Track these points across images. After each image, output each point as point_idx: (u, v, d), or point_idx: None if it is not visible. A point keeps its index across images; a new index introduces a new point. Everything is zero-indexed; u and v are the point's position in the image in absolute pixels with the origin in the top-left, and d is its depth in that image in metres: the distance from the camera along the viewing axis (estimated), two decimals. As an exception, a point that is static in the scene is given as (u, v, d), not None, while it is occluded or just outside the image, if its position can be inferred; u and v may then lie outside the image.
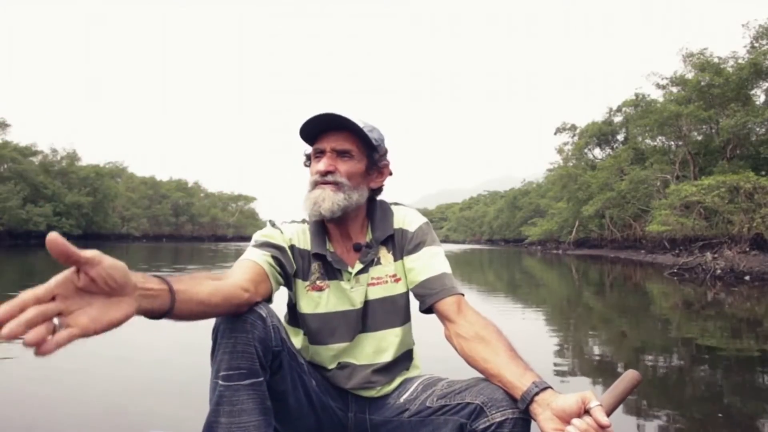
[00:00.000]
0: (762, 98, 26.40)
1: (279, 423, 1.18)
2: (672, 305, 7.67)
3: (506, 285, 11.22)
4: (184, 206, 70.10)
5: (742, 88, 24.95)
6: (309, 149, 1.35)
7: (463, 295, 1.27)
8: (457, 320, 1.21)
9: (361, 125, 1.27)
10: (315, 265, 1.31)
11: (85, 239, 45.64)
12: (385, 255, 1.35)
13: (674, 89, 29.37)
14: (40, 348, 0.66)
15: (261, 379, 1.05)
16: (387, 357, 1.32)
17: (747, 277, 11.80)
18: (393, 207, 1.41)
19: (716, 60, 26.56)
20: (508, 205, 67.90)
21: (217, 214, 77.37)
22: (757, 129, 24.86)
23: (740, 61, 25.48)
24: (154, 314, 0.86)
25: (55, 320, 0.68)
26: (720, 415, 2.63)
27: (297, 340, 1.35)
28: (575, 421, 0.95)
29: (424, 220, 1.39)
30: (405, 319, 1.37)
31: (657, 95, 32.36)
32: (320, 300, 1.30)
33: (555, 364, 3.63)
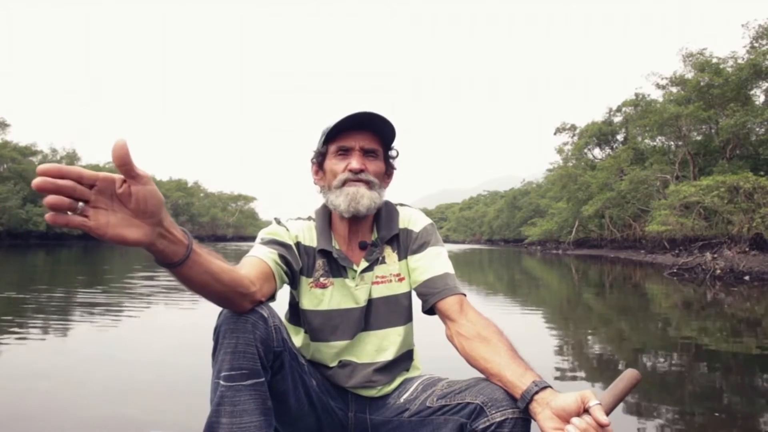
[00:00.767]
0: (761, 98, 26.41)
1: (279, 423, 1.18)
2: (671, 305, 7.67)
3: (506, 285, 11.22)
4: (183, 206, 70.03)
5: (741, 88, 24.95)
6: (317, 147, 1.35)
7: (465, 295, 1.28)
8: (459, 320, 1.22)
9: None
10: (319, 263, 1.32)
11: (85, 239, 45.62)
12: (389, 254, 1.36)
13: (674, 89, 29.39)
14: (52, 216, 0.70)
15: (262, 379, 1.05)
16: (388, 356, 1.32)
17: (747, 277, 11.80)
18: (398, 207, 1.42)
19: (716, 60, 26.57)
20: (508, 205, 67.90)
21: (216, 214, 77.30)
22: (757, 129, 24.86)
23: (740, 61, 25.48)
24: (164, 259, 0.87)
25: (81, 204, 0.72)
26: (717, 414, 2.63)
27: (298, 338, 1.36)
28: (575, 420, 0.95)
29: (429, 221, 1.41)
30: (407, 318, 1.38)
31: (657, 95, 32.44)
32: (323, 297, 1.31)
33: (555, 364, 3.64)
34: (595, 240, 36.92)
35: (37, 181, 0.68)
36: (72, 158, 47.29)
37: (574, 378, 3.31)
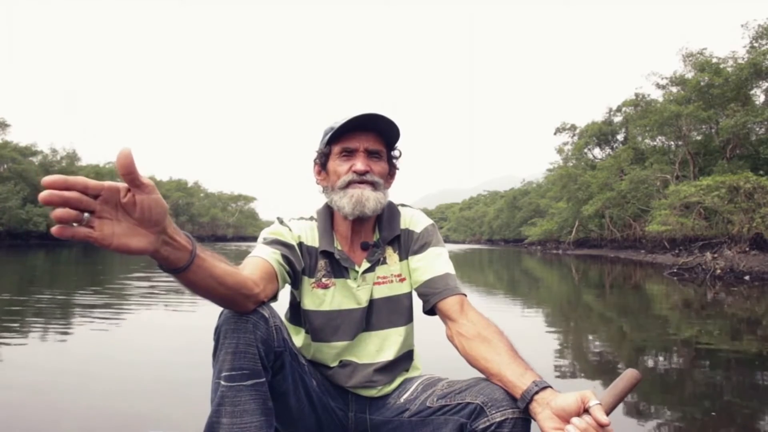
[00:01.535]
0: (761, 98, 26.41)
1: (280, 423, 1.18)
2: (672, 305, 7.67)
3: (506, 285, 11.22)
4: (183, 206, 70.03)
5: (741, 88, 24.95)
6: (319, 148, 1.35)
7: (465, 295, 1.28)
8: (459, 320, 1.22)
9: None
10: (321, 263, 1.32)
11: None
12: (391, 255, 1.36)
13: (674, 89, 29.39)
14: (59, 229, 0.71)
15: (263, 379, 1.05)
16: (389, 356, 1.33)
17: (747, 277, 11.80)
18: (400, 208, 1.42)
19: (716, 60, 26.57)
20: (508, 205, 67.88)
21: (216, 214, 77.28)
22: (757, 129, 24.86)
23: (740, 61, 25.48)
24: (169, 265, 0.87)
25: (86, 215, 0.72)
26: (717, 414, 2.63)
27: (298, 338, 1.36)
28: (575, 420, 0.95)
29: (430, 221, 1.41)
30: (408, 319, 1.38)
31: (657, 95, 32.42)
32: (325, 297, 1.31)
33: (555, 364, 3.64)
34: (595, 240, 36.91)
35: (44, 194, 0.68)
36: (72, 158, 47.25)
37: (574, 378, 3.31)
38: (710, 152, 27.53)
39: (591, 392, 0.98)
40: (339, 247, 1.34)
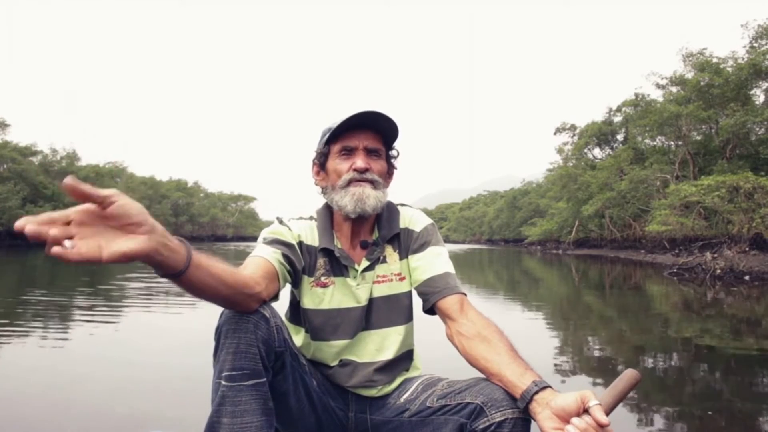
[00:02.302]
0: (761, 98, 26.40)
1: (280, 423, 1.19)
2: (672, 305, 7.67)
3: (506, 285, 11.22)
4: (183, 206, 70.00)
5: (741, 88, 24.93)
6: (318, 148, 1.36)
7: (465, 294, 1.28)
8: (459, 319, 1.22)
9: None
10: (321, 262, 1.32)
11: (84, 239, 45.56)
12: (390, 253, 1.37)
13: (674, 89, 29.38)
14: (55, 251, 0.73)
15: (264, 379, 1.05)
16: (388, 355, 1.33)
17: (747, 277, 11.80)
18: (399, 207, 1.42)
19: (716, 60, 26.57)
20: (508, 205, 67.89)
21: (216, 214, 77.27)
22: (757, 129, 24.85)
23: (739, 61, 25.48)
24: (167, 269, 0.86)
25: (68, 242, 0.74)
26: (717, 414, 2.63)
27: (298, 337, 1.36)
28: (574, 420, 0.95)
29: (430, 221, 1.42)
30: (408, 318, 1.38)
31: (657, 95, 32.43)
32: (324, 296, 1.31)
33: (555, 364, 3.64)
34: (595, 240, 36.91)
35: (27, 232, 0.72)
36: (72, 158, 47.25)
37: (574, 378, 3.31)
38: (710, 152, 27.53)
39: (591, 392, 0.98)
40: (339, 246, 1.34)
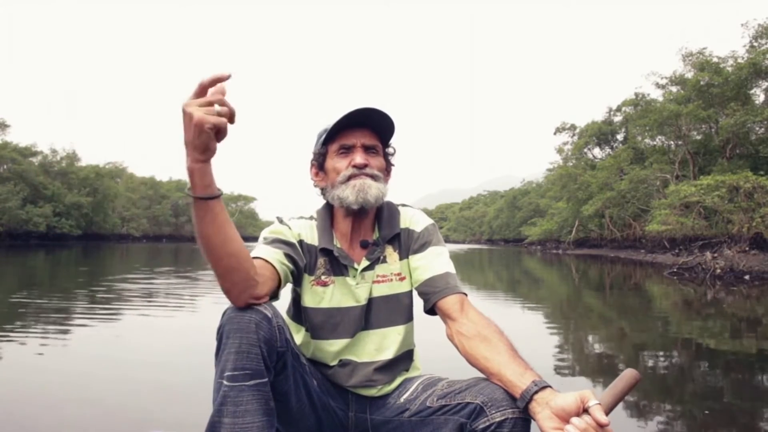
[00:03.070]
0: (761, 98, 26.39)
1: (280, 423, 1.19)
2: (671, 305, 7.68)
3: (506, 285, 11.22)
4: (184, 206, 69.95)
5: (741, 87, 24.91)
6: (315, 149, 1.36)
7: (465, 294, 1.28)
8: (459, 319, 1.22)
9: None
10: (321, 261, 1.33)
11: (85, 239, 45.63)
12: (391, 253, 1.37)
13: (674, 89, 29.38)
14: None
15: (265, 379, 1.05)
16: (388, 354, 1.33)
17: (747, 277, 11.80)
18: (400, 207, 1.43)
19: (715, 59, 26.56)
20: (508, 205, 67.92)
21: (217, 214, 77.07)
22: (757, 128, 24.84)
23: (739, 60, 25.46)
24: (208, 185, 1.00)
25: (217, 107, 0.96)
26: (717, 413, 2.63)
27: (299, 336, 1.36)
28: (574, 419, 0.95)
29: (431, 221, 1.42)
30: (408, 318, 1.38)
31: (657, 95, 32.39)
32: (324, 295, 1.31)
33: (555, 363, 3.64)
34: (595, 240, 36.91)
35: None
36: (72, 159, 47.28)
37: (574, 377, 3.31)
38: (710, 152, 27.52)
39: (590, 392, 0.98)
40: (338, 245, 1.34)
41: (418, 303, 1.36)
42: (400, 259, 1.37)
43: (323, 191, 1.37)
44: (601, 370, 3.54)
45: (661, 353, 4.18)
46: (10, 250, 26.01)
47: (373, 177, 1.29)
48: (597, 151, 42.60)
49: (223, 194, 1.04)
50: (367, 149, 1.31)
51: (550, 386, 1.02)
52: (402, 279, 1.36)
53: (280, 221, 1.34)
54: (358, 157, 1.28)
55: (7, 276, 11.43)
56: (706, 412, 2.65)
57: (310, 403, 1.23)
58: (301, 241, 1.31)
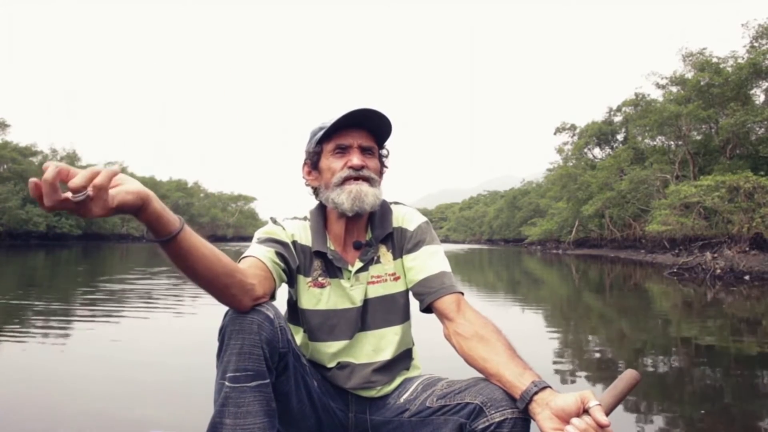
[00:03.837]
0: (761, 98, 26.38)
1: (281, 423, 1.19)
2: (672, 305, 7.67)
3: (506, 285, 11.22)
4: (183, 206, 69.98)
5: (741, 87, 24.91)
6: (309, 148, 1.35)
7: (462, 293, 1.28)
8: (456, 319, 1.22)
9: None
10: (317, 263, 1.32)
11: (85, 239, 45.63)
12: (384, 253, 1.36)
13: (674, 89, 29.35)
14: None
15: (267, 380, 1.05)
16: (386, 355, 1.33)
17: (747, 277, 11.80)
18: (392, 206, 1.41)
19: (716, 60, 26.55)
20: (508, 205, 67.86)
21: (216, 214, 77.28)
22: (757, 128, 24.83)
23: (740, 60, 25.45)
24: (163, 227, 0.91)
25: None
26: (717, 414, 2.63)
27: (297, 338, 1.36)
28: (574, 420, 0.95)
29: (424, 219, 1.40)
30: (404, 317, 1.38)
31: (657, 95, 32.39)
32: (321, 297, 1.31)
33: (555, 364, 3.64)
34: (595, 240, 36.90)
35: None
36: (72, 159, 47.28)
37: (574, 378, 3.31)
38: (710, 152, 27.51)
39: (590, 392, 0.98)
40: (332, 247, 1.34)
41: (414, 301, 1.35)
42: (394, 258, 1.36)
43: (316, 191, 1.36)
44: (601, 371, 3.54)
45: (661, 354, 4.17)
46: (10, 250, 26.00)
47: (369, 180, 1.28)
48: (597, 151, 42.62)
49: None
50: (364, 150, 1.30)
51: (549, 386, 1.02)
52: (396, 279, 1.35)
53: (274, 222, 1.33)
54: (355, 159, 1.27)
55: (7, 276, 11.42)
56: (709, 413, 2.65)
57: (311, 403, 1.23)
58: (294, 242, 1.30)
